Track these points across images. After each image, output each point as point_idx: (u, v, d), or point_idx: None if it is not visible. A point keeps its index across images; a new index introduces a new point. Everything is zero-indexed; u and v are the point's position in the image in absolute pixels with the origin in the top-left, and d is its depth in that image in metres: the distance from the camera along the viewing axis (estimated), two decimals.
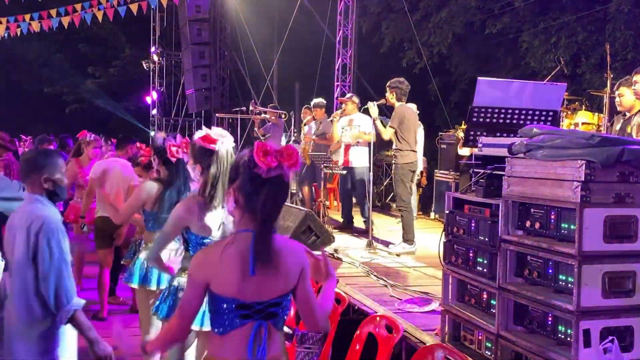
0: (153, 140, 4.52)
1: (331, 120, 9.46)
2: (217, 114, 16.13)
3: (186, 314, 2.35)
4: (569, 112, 8.66)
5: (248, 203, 2.27)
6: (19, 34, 17.45)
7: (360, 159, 8.74)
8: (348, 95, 9.11)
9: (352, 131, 8.83)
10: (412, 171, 7.68)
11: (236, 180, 2.30)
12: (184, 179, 4.24)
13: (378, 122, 7.99)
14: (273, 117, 11.32)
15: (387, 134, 7.71)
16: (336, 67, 16.07)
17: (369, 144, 8.35)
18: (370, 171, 8.09)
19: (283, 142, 11.31)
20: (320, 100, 10.14)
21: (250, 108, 11.89)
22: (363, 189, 8.66)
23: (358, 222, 9.31)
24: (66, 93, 30.05)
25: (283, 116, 11.33)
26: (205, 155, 3.44)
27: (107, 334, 3.43)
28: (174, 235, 3.53)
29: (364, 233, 8.42)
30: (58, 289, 3.07)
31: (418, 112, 9.53)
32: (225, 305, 2.26)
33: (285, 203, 2.71)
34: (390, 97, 7.67)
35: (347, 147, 8.94)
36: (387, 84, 7.73)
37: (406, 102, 7.86)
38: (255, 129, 11.58)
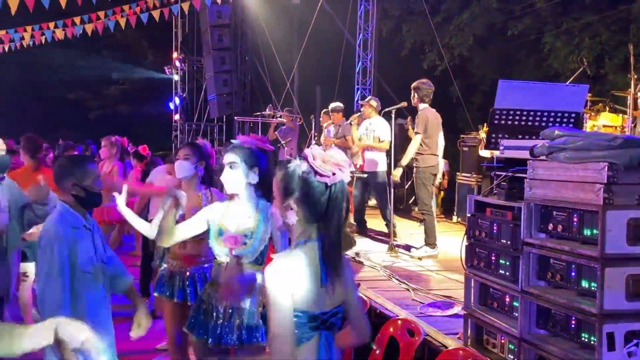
0: (196, 143, 4.43)
1: (350, 123, 9.47)
2: (237, 118, 16.22)
3: (291, 335, 2.16)
4: (593, 114, 8.57)
5: (313, 214, 2.22)
6: (43, 41, 17.75)
7: (376, 164, 8.70)
8: (367, 98, 9.11)
9: (368, 135, 8.80)
10: (433, 174, 7.65)
11: (294, 192, 2.22)
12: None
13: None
14: (288, 121, 11.37)
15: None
16: (356, 71, 16.09)
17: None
18: (391, 175, 8.07)
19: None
20: (337, 104, 10.16)
21: (267, 112, 11.94)
22: (382, 194, 8.63)
23: (376, 225, 9.29)
24: (90, 99, 30.43)
25: (298, 120, 11.37)
26: (263, 156, 3.53)
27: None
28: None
29: (386, 236, 8.40)
30: (44, 299, 3.06)
31: None
32: (298, 319, 2.17)
33: None
34: (414, 98, 7.65)
35: (363, 151, 8.91)
36: (412, 86, 7.70)
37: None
38: (271, 132, 11.62)
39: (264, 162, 3.44)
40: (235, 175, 3.39)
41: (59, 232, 3.17)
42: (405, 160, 7.50)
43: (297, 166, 2.23)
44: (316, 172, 2.18)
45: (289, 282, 2.16)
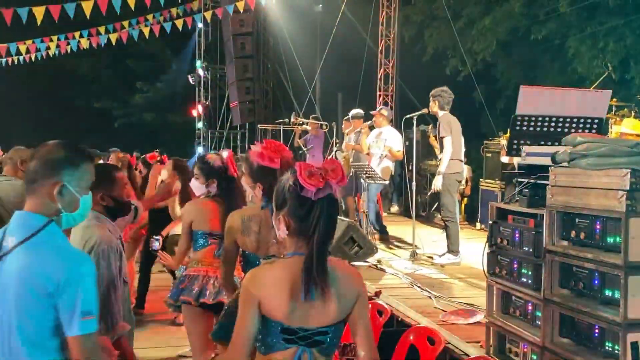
0: (204, 161, 4.39)
1: (359, 131, 9.49)
2: (259, 125, 16.29)
3: (242, 334, 2.19)
4: (618, 119, 8.46)
5: (301, 228, 2.19)
6: (69, 51, 18.02)
7: (384, 174, 8.70)
8: (378, 108, 9.16)
9: (379, 144, 8.81)
10: (458, 181, 7.60)
11: (284, 206, 2.21)
12: (240, 195, 4.18)
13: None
14: (314, 128, 11.39)
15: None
16: (378, 77, 16.08)
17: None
18: (413, 181, 8.04)
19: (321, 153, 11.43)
20: (358, 111, 10.17)
21: (292, 119, 11.97)
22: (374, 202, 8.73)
23: (399, 233, 9.27)
24: (115, 108, 30.81)
25: (324, 127, 11.38)
26: (266, 174, 3.25)
27: None
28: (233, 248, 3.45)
29: (409, 244, 8.37)
30: (103, 311, 2.85)
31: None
32: (269, 327, 2.18)
33: None
34: (433, 106, 7.61)
35: (369, 160, 8.91)
36: (430, 94, 7.68)
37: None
38: (296, 139, 11.66)
39: (267, 180, 3.27)
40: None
41: (107, 242, 3.11)
42: (443, 167, 7.42)
43: (287, 180, 2.22)
44: (302, 187, 2.16)
45: (259, 289, 2.17)
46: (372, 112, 9.31)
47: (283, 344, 2.18)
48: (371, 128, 9.34)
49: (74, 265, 2.13)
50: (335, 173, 2.19)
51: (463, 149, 7.62)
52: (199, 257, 4.32)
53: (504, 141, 9.92)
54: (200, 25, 19.48)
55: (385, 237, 9.00)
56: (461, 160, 7.58)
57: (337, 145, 10.94)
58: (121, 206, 3.31)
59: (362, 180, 8.79)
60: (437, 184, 7.48)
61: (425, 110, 7.91)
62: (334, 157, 10.83)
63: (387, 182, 8.78)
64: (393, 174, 8.69)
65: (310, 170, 2.17)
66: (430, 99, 7.64)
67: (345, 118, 10.80)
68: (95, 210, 3.12)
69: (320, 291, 2.15)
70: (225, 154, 4.29)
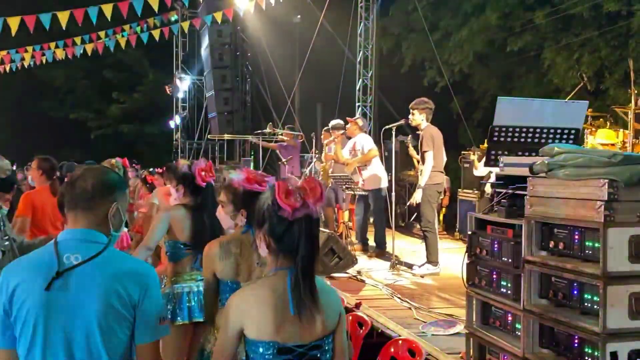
0: (173, 169, 4.39)
1: (333, 141, 9.48)
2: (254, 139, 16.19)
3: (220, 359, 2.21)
4: (594, 129, 8.55)
5: (280, 246, 2.20)
6: (44, 61, 17.83)
7: (374, 182, 8.66)
8: (355, 117, 9.18)
9: (357, 154, 8.81)
10: (438, 192, 7.61)
11: (263, 224, 2.22)
12: (215, 203, 4.00)
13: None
14: (290, 139, 11.39)
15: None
16: (357, 88, 16.13)
17: (380, 164, 8.43)
18: (392, 192, 8.03)
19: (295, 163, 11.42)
20: (338, 122, 10.18)
21: (268, 130, 11.97)
22: (379, 213, 8.63)
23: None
24: (91, 119, 30.52)
25: (299, 137, 11.38)
26: (252, 199, 3.25)
27: None
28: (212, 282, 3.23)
29: (385, 255, 8.36)
30: None
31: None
32: (262, 351, 2.14)
33: None
34: (416, 117, 7.57)
35: (359, 169, 8.89)
36: (413, 105, 7.62)
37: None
38: (277, 151, 11.68)
39: (252, 205, 3.22)
40: (223, 214, 3.33)
41: None
42: (423, 181, 7.42)
43: (266, 198, 2.23)
44: (279, 207, 2.17)
45: (242, 314, 2.16)
46: (347, 119, 9.32)
47: None
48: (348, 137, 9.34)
49: (149, 276, 2.25)
50: (314, 192, 2.19)
51: (444, 160, 7.65)
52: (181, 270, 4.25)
53: (474, 156, 10.00)
54: (177, 35, 19.42)
55: (365, 249, 8.99)
56: (442, 172, 7.60)
57: (317, 155, 10.92)
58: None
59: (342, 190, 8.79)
60: (416, 197, 7.50)
61: (403, 121, 7.91)
62: (312, 167, 10.83)
63: (381, 188, 8.65)
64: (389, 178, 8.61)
65: (288, 189, 2.17)
66: (412, 110, 7.61)
67: (325, 129, 10.79)
68: None
69: (310, 305, 2.16)
70: (202, 163, 4.19)
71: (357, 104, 16.09)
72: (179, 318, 4.11)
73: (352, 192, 8.96)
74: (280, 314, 2.14)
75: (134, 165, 12.65)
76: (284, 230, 2.18)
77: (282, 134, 11.70)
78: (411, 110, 7.60)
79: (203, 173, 4.07)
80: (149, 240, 4.15)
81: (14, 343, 2.16)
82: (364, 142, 8.74)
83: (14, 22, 11.66)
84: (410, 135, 11.05)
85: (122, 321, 2.17)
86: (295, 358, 2.17)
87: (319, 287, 2.23)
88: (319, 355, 2.22)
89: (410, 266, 7.72)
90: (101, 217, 2.25)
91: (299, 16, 19.86)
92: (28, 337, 2.12)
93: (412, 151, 10.49)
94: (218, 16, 14.20)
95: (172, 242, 4.21)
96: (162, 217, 4.24)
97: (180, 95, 21.38)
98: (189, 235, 4.15)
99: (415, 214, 12.13)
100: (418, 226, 11.24)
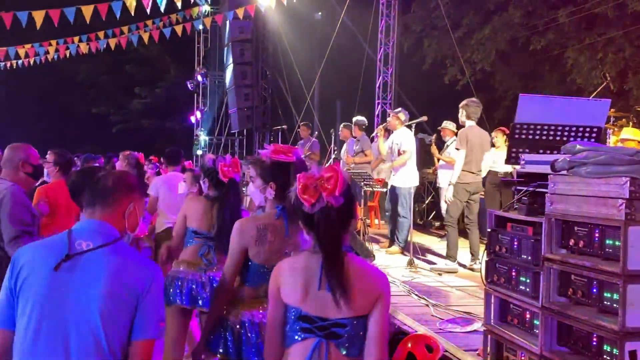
0: (202, 161, 4.51)
1: (376, 135, 9.47)
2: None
3: (272, 324, 2.36)
4: (616, 129, 8.47)
5: (310, 234, 2.35)
6: (68, 55, 18.02)
7: (402, 179, 8.63)
8: (397, 110, 9.06)
9: (394, 150, 8.75)
10: (467, 191, 7.59)
11: (298, 216, 2.38)
12: (237, 198, 4.18)
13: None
14: (305, 135, 11.43)
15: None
16: (377, 85, 16.11)
17: (413, 160, 8.38)
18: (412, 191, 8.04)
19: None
20: (363, 119, 10.18)
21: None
22: (402, 209, 8.58)
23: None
24: (113, 113, 30.80)
25: (313, 136, 11.43)
26: (280, 170, 3.17)
27: None
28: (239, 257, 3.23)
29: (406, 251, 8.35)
30: None
31: (456, 131, 9.53)
32: (290, 315, 2.31)
33: None
34: (462, 116, 7.62)
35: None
36: (460, 104, 7.69)
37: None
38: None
39: (280, 176, 3.18)
40: (253, 189, 3.32)
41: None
42: (454, 179, 7.48)
43: (294, 191, 2.35)
44: (300, 202, 2.29)
45: (277, 278, 2.37)
46: (389, 111, 9.29)
47: (301, 334, 2.27)
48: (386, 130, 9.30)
49: (155, 272, 2.31)
50: (330, 183, 2.26)
51: (480, 162, 7.62)
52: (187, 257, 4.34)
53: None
54: (199, 31, 19.51)
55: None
56: (473, 173, 7.56)
57: (335, 152, 10.94)
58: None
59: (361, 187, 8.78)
60: (447, 194, 7.55)
61: (424, 118, 7.91)
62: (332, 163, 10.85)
63: (409, 186, 8.63)
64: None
65: (305, 184, 2.28)
66: (460, 109, 7.67)
67: (344, 124, 10.81)
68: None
69: (336, 284, 2.23)
70: (227, 159, 4.24)
71: (376, 101, 16.07)
72: (170, 298, 4.21)
73: (371, 189, 8.95)
74: (307, 285, 2.29)
75: (150, 159, 12.75)
76: (309, 221, 2.32)
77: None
78: (459, 109, 7.66)
79: (226, 168, 4.13)
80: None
81: (12, 324, 2.21)
82: (403, 138, 8.65)
83: (38, 16, 11.79)
84: (435, 135, 10.99)
85: (125, 309, 2.20)
86: (314, 329, 2.27)
87: (358, 271, 2.30)
88: (341, 334, 2.26)
89: (428, 263, 7.71)
90: (118, 215, 2.36)
91: (319, 13, 19.87)
92: (27, 314, 2.17)
93: (434, 149, 10.39)
94: (240, 12, 14.26)
95: (189, 229, 4.34)
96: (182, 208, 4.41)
97: (201, 90, 21.48)
98: (202, 225, 4.27)
99: (434, 212, 12.12)
100: (436, 224, 11.25)
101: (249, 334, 3.14)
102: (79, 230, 2.30)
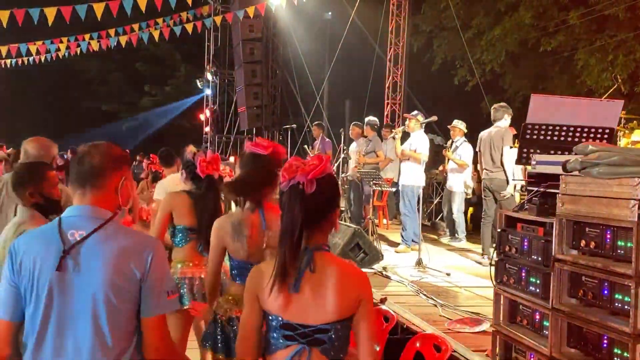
0: (182, 154, 4.39)
1: (393, 137, 9.50)
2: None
3: (243, 335, 2.27)
4: (627, 131, 8.44)
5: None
6: (78, 52, 18.09)
7: (410, 177, 8.64)
8: (414, 112, 9.07)
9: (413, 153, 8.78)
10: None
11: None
12: (214, 195, 4.03)
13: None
14: (318, 134, 11.42)
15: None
16: (387, 85, 16.09)
17: (423, 162, 8.38)
18: (421, 191, 8.05)
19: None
20: (375, 119, 10.18)
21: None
22: (405, 207, 8.62)
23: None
24: (123, 110, 30.90)
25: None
26: (255, 162, 3.21)
27: None
28: (218, 256, 3.27)
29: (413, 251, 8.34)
30: None
31: (465, 131, 9.52)
32: (269, 322, 2.22)
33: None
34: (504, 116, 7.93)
35: (400, 162, 8.98)
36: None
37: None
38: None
39: (254, 167, 3.23)
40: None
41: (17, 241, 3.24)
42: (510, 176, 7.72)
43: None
44: (281, 180, 2.24)
45: (255, 284, 2.25)
46: (406, 115, 9.30)
47: (283, 342, 2.19)
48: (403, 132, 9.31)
49: (151, 250, 2.21)
50: (309, 166, 2.20)
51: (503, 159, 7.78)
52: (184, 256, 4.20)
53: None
54: (210, 29, 19.54)
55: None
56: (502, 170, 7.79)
57: (345, 151, 10.93)
58: (51, 204, 3.28)
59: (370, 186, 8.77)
60: (508, 190, 7.75)
61: (434, 118, 7.92)
62: (340, 162, 10.84)
63: (415, 185, 8.65)
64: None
65: (291, 163, 2.22)
66: (499, 109, 8.00)
67: (354, 123, 10.81)
68: (26, 207, 3.21)
69: (309, 284, 2.16)
70: (208, 155, 4.11)
71: (386, 101, 16.06)
72: None
73: (380, 189, 8.94)
74: (286, 292, 2.17)
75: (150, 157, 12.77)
76: (280, 201, 2.24)
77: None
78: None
79: (204, 164, 4.01)
80: (152, 228, 4.27)
81: (15, 316, 2.18)
82: (419, 142, 8.66)
83: (50, 13, 11.85)
84: (450, 141, 10.95)
85: (128, 297, 2.17)
86: (296, 336, 2.18)
87: (334, 269, 2.21)
88: (325, 340, 2.19)
89: (438, 262, 7.71)
90: (109, 192, 2.25)
91: (330, 12, 19.86)
92: (33, 307, 2.15)
93: (449, 153, 10.20)
94: (250, 11, 14.27)
95: (175, 226, 4.16)
96: (161, 204, 4.27)
97: (211, 89, 21.51)
98: (192, 221, 4.08)
99: (441, 214, 12.09)
100: (444, 224, 11.22)
101: (236, 331, 3.10)
102: (70, 219, 2.21)
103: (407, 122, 8.99)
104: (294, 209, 2.18)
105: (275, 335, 2.20)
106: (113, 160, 2.27)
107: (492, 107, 8.00)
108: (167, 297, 2.23)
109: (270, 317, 2.21)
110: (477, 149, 8.12)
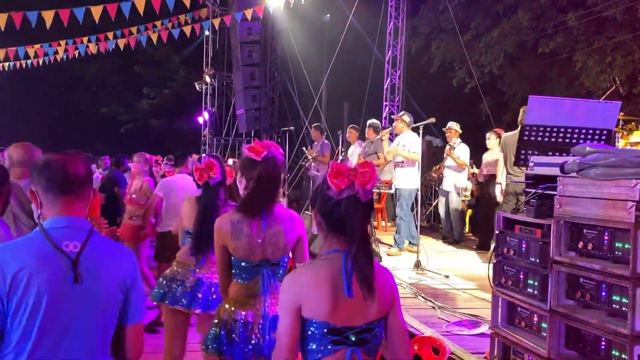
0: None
1: (380, 139, 9.44)
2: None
3: (286, 344, 2.19)
4: (625, 133, 8.42)
5: (328, 225, 2.24)
6: (77, 55, 18.09)
7: (405, 180, 8.62)
8: (400, 113, 9.07)
9: (399, 150, 8.74)
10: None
11: (316, 203, 2.28)
12: (209, 200, 4.00)
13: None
14: (317, 137, 11.40)
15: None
16: (385, 87, 16.08)
17: (417, 164, 8.35)
18: (418, 192, 8.04)
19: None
20: (377, 121, 10.20)
21: (307, 153, 11.89)
22: (401, 210, 8.58)
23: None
24: (122, 113, 30.90)
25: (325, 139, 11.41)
26: (250, 167, 3.25)
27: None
28: (221, 255, 3.27)
29: (413, 253, 8.33)
30: None
31: (460, 132, 9.52)
32: (314, 330, 2.16)
33: None
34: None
35: (395, 166, 8.90)
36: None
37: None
38: (309, 152, 11.64)
39: (249, 172, 3.26)
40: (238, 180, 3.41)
41: None
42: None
43: (321, 178, 2.28)
44: (328, 186, 2.20)
45: (299, 292, 2.18)
46: (393, 117, 9.28)
47: (331, 348, 2.16)
48: (390, 134, 9.30)
49: (134, 260, 2.32)
50: (363, 175, 2.19)
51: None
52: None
53: None
54: (207, 32, 19.54)
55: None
56: (509, 174, 7.82)
57: (343, 153, 10.92)
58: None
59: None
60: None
61: (432, 120, 7.90)
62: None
63: (411, 188, 8.63)
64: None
65: (339, 170, 2.19)
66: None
67: (351, 126, 10.81)
68: None
69: (366, 287, 2.15)
70: (203, 161, 4.08)
71: (384, 104, 16.05)
72: (167, 302, 4.20)
73: (378, 190, 8.93)
74: (335, 296, 2.15)
75: (156, 160, 12.79)
76: (331, 209, 2.21)
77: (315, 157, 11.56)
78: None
79: (197, 173, 4.01)
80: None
81: None
82: (410, 142, 8.64)
83: (48, 16, 11.84)
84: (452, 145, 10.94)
85: (117, 303, 2.24)
86: (345, 339, 2.17)
87: (375, 269, 2.23)
88: (369, 339, 2.21)
89: (435, 267, 7.69)
90: (85, 203, 2.28)
91: (328, 14, 19.86)
92: (24, 323, 2.06)
93: (450, 152, 10.10)
94: (248, 13, 14.27)
95: (184, 229, 4.30)
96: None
97: (209, 91, 21.51)
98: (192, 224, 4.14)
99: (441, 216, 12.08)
100: (441, 226, 11.21)
101: (240, 334, 3.14)
102: (57, 230, 2.16)
103: (394, 124, 9.00)
104: (356, 218, 2.19)
105: (320, 342, 2.16)
106: (90, 171, 2.32)
107: (522, 109, 7.91)
108: (144, 307, 2.37)
109: (315, 325, 2.16)
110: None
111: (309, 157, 11.23)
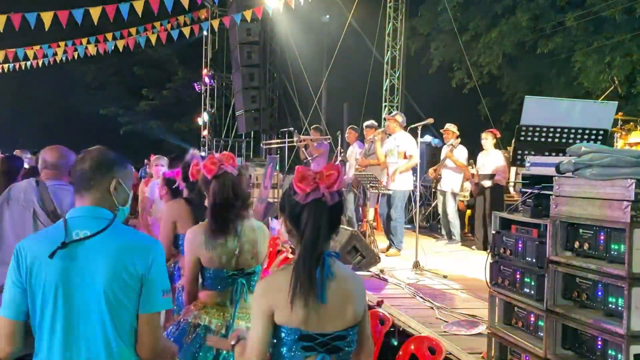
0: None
1: (373, 138, 9.44)
2: (263, 144, 16.23)
3: (258, 349, 2.16)
4: (624, 133, 8.43)
5: (295, 230, 2.19)
6: (76, 57, 18.09)
7: (398, 183, 8.61)
8: (393, 113, 9.08)
9: (393, 152, 8.73)
10: None
11: (284, 209, 2.23)
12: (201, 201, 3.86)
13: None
14: (317, 139, 11.39)
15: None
16: (384, 88, 16.09)
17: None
18: (417, 192, 8.04)
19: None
20: (373, 122, 10.21)
21: (296, 139, 11.94)
22: (395, 212, 8.58)
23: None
24: (121, 114, 30.90)
25: (326, 140, 11.37)
26: (206, 183, 3.25)
27: None
28: (194, 266, 3.25)
29: (412, 254, 8.33)
30: None
31: (458, 133, 9.53)
32: (285, 336, 2.14)
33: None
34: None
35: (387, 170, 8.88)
36: None
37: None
38: (302, 152, 11.62)
39: (207, 187, 3.27)
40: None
41: None
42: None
43: (288, 182, 2.27)
44: (294, 191, 2.16)
45: (272, 298, 2.16)
46: (386, 116, 9.27)
47: (302, 354, 2.14)
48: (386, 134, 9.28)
49: (154, 249, 2.32)
50: (329, 178, 2.15)
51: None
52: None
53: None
54: (206, 33, 19.56)
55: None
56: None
57: (342, 154, 10.92)
58: None
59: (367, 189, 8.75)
60: None
61: (430, 120, 7.90)
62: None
63: (406, 190, 8.63)
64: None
65: (304, 174, 2.15)
66: None
67: (350, 127, 10.81)
68: None
69: (329, 292, 2.14)
70: (198, 158, 4.02)
71: (383, 104, 16.06)
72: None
73: (377, 191, 8.92)
74: (307, 303, 2.12)
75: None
76: (297, 214, 2.17)
77: (308, 140, 11.58)
78: None
79: (195, 170, 3.90)
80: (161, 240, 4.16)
81: (22, 315, 2.23)
82: (405, 142, 8.62)
83: (47, 17, 11.85)
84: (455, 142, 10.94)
85: (129, 292, 2.24)
86: (316, 346, 2.15)
87: (348, 276, 2.23)
88: (341, 346, 2.19)
89: (434, 267, 7.70)
90: (104, 194, 2.33)
91: (327, 16, 19.87)
92: (39, 306, 2.21)
93: (450, 154, 10.07)
94: (248, 14, 14.28)
95: (178, 235, 4.15)
96: (163, 216, 4.26)
97: (208, 92, 21.53)
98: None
99: (438, 216, 12.09)
100: (441, 227, 11.22)
101: (195, 337, 3.15)
102: (74, 219, 2.29)
103: (386, 124, 9.01)
104: (319, 221, 2.15)
105: (290, 347, 2.15)
106: (101, 164, 2.36)
107: None
108: (163, 295, 2.30)
109: (285, 332, 2.15)
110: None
111: (309, 158, 11.24)
